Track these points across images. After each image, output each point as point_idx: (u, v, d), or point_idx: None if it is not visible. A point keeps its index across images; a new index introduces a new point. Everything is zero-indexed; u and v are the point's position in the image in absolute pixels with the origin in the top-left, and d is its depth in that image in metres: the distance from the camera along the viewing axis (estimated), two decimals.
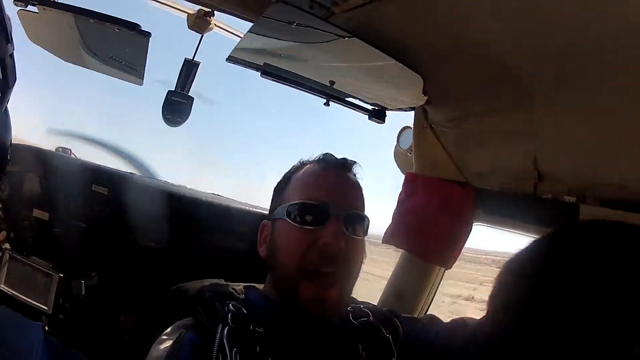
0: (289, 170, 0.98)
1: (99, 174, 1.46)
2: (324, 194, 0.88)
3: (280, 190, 0.96)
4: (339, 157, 0.97)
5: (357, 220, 0.90)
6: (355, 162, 0.96)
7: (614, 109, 0.87)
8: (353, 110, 1.27)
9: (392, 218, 1.42)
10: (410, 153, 1.44)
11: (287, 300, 0.88)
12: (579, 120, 0.97)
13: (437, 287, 1.47)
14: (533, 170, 1.12)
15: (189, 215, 1.41)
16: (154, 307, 1.05)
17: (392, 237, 1.40)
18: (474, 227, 1.35)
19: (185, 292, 0.96)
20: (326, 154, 0.97)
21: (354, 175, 0.97)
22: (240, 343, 0.78)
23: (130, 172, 1.59)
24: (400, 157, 1.53)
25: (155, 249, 1.38)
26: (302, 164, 0.97)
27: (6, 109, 1.17)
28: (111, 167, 1.56)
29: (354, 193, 0.94)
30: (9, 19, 1.02)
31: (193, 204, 1.43)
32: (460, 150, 1.29)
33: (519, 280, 0.70)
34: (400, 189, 1.45)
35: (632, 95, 0.81)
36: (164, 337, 0.83)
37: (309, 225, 0.87)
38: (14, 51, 1.04)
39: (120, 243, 1.40)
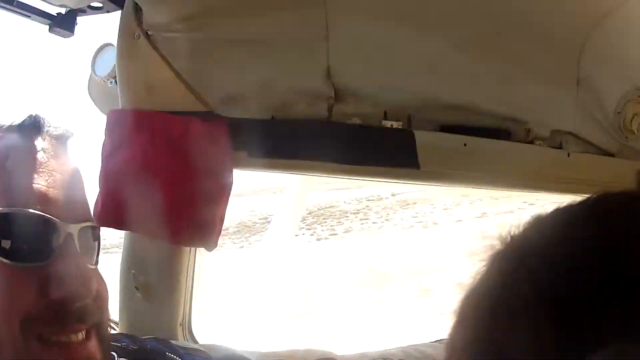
0: None
1: None
2: (37, 197, 0.52)
3: None
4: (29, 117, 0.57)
5: (94, 237, 0.58)
6: (72, 132, 0.60)
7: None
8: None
9: (99, 185, 0.91)
10: (113, 80, 1.05)
11: None
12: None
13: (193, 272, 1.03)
14: (327, 87, 0.90)
15: None
16: None
17: (106, 216, 0.88)
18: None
19: None
20: (31, 115, 0.57)
21: (70, 154, 0.60)
22: None
23: None
24: (97, 89, 1.10)
25: None
26: None
27: None
28: None
29: (80, 189, 0.59)
30: None
31: None
32: (199, 65, 0.91)
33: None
34: (103, 138, 0.94)
35: None
36: None
37: (21, 262, 0.50)
38: None
39: None
